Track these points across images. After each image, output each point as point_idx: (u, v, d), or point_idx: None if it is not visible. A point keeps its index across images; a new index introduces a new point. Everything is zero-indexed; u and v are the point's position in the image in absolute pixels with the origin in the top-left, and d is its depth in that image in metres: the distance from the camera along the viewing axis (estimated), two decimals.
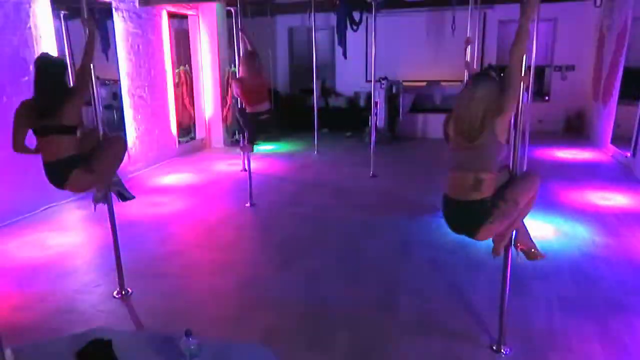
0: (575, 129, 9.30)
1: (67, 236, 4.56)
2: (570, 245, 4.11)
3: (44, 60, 2.99)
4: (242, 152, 5.46)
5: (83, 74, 3.00)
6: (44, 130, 2.96)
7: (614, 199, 5.29)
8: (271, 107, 5.46)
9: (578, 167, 6.82)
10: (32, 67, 3.09)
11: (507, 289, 2.71)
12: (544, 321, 2.99)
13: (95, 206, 3.41)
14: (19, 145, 3.05)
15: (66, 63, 3.33)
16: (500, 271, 2.73)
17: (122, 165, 3.34)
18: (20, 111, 2.98)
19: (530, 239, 2.72)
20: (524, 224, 2.67)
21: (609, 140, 7.47)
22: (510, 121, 2.40)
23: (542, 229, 4.42)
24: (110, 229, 3.35)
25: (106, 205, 3.33)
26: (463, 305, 3.22)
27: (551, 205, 5.08)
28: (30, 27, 5.10)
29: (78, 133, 3.07)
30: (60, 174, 3.03)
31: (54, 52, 5.32)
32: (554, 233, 4.38)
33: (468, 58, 4.68)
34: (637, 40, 7.18)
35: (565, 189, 5.69)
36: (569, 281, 3.48)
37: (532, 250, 2.71)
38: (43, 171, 3.06)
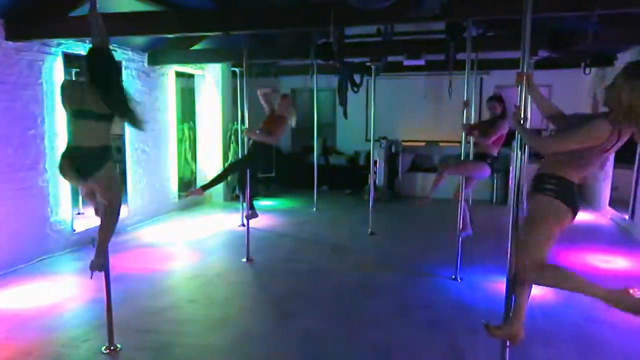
0: None
1: (60, 288, 4.49)
2: (572, 308, 4.03)
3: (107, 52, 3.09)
4: (247, 219, 5.63)
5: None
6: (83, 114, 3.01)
7: (614, 262, 5.24)
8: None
9: (577, 229, 6.78)
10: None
11: (507, 355, 2.64)
12: None
13: (92, 274, 3.24)
14: None
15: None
16: None
17: (120, 218, 3.36)
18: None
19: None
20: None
21: (607, 202, 7.50)
22: None
23: (543, 290, 4.35)
24: (104, 281, 3.30)
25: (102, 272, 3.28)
26: None
27: None
28: (41, 83, 5.29)
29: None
30: (94, 162, 3.07)
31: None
32: (555, 295, 4.30)
33: (465, 120, 4.82)
34: None
35: (565, 251, 5.64)
36: (572, 345, 3.39)
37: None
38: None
